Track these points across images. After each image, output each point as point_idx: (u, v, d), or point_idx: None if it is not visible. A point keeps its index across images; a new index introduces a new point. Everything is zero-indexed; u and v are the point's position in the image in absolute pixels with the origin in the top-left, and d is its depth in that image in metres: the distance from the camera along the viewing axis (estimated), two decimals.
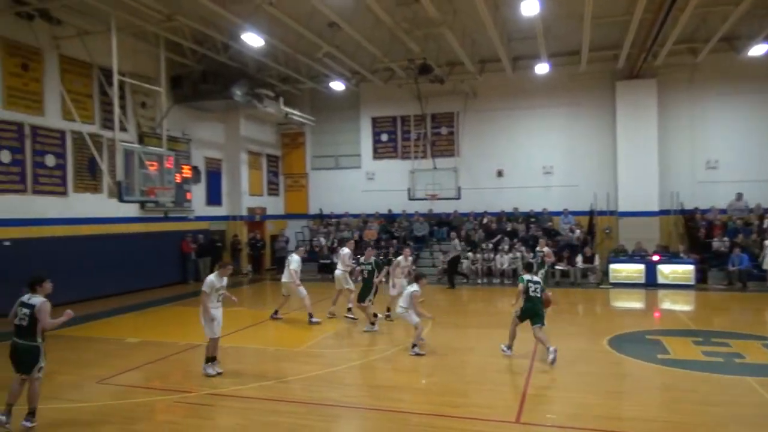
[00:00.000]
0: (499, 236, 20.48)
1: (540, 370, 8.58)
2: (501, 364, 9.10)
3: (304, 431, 6.34)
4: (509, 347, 9.45)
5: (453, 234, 20.77)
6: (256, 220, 23.48)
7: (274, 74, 20.99)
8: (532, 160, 22.20)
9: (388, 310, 12.56)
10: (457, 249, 18.97)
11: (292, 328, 12.02)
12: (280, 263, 20.96)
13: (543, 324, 9.13)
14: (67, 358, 9.65)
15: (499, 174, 22.74)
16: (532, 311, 9.14)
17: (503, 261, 19.13)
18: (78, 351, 10.17)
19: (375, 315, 11.78)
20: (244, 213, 22.81)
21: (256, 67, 20.21)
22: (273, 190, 25.14)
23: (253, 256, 22.74)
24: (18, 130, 14.09)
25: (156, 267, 17.98)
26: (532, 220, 21.49)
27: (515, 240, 20.20)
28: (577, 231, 20.32)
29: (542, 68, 19.43)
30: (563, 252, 18.99)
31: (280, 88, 21.82)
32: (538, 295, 9.23)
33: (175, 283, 18.62)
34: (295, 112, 22.44)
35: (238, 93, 19.25)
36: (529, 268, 10.05)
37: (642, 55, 18.51)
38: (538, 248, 15.81)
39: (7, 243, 13.56)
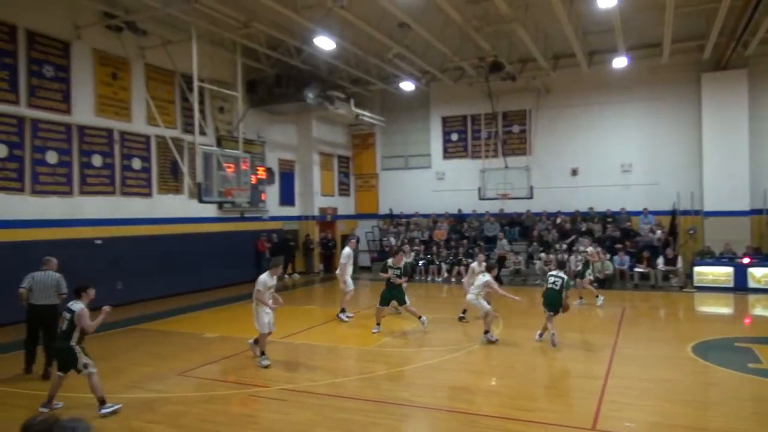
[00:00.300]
0: (573, 236, 19.85)
1: (617, 375, 8.22)
2: (575, 369, 8.81)
3: (374, 429, 6.38)
4: (540, 334, 10.45)
5: (500, 234, 20.46)
6: (327, 220, 23.92)
7: (345, 76, 21.30)
8: (609, 158, 21.35)
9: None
10: (504, 248, 18.76)
11: (362, 327, 12.12)
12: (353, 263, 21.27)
13: (554, 314, 10.19)
14: (152, 350, 10.19)
15: (574, 172, 22.03)
16: (548, 301, 10.22)
17: (577, 262, 18.45)
18: (161, 344, 10.71)
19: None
20: (316, 213, 23.28)
21: (328, 70, 20.59)
22: (344, 191, 25.52)
23: (324, 256, 23.18)
24: (108, 136, 15.04)
25: (232, 265, 18.67)
26: (609, 220, 20.68)
27: (590, 240, 19.47)
28: (658, 232, 19.35)
29: (620, 62, 18.65)
30: (643, 253, 18.15)
31: (350, 89, 22.12)
32: (556, 288, 10.13)
33: (250, 281, 19.06)
34: (366, 113, 22.68)
35: (310, 95, 19.68)
36: (561, 266, 11.67)
37: (731, 44, 17.39)
38: (581, 248, 15.40)
39: (99, 242, 14.49)
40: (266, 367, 8.90)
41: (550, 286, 10.28)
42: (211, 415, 6.87)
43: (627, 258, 18.26)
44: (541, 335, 10.38)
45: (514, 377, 8.47)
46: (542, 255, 19.23)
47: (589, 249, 15.16)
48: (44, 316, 8.50)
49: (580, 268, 15.23)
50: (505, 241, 20.07)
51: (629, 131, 21.16)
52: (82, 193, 14.32)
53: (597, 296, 14.46)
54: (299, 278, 21.18)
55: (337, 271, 13.33)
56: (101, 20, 14.48)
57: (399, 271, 11.56)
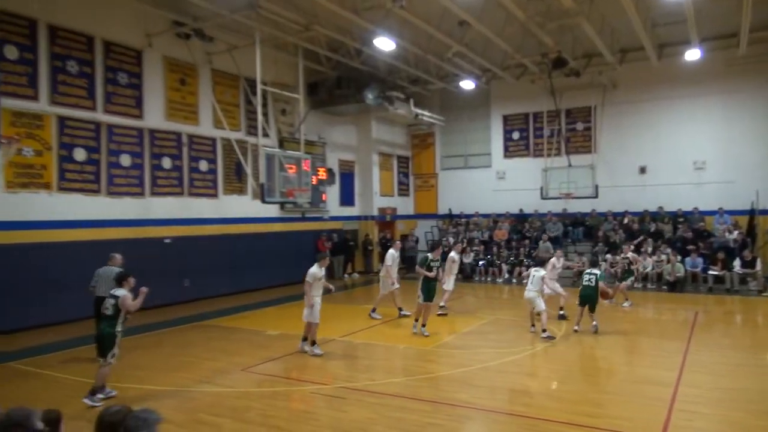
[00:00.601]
0: (641, 237, 19.08)
1: (689, 383, 7.84)
2: (643, 375, 8.46)
3: (432, 430, 6.35)
4: (577, 323, 11.22)
5: (545, 236, 19.87)
6: (386, 220, 24.02)
7: (405, 76, 21.32)
8: (680, 155, 20.36)
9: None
10: (549, 251, 18.27)
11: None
12: (409, 262, 21.27)
13: (591, 310, 11.13)
14: (218, 346, 10.54)
15: (642, 170, 21.15)
16: (585, 297, 11.11)
17: (646, 264, 17.74)
18: (226, 340, 11.06)
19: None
20: (376, 213, 23.43)
21: (387, 70, 20.67)
22: (403, 191, 25.56)
23: (383, 256, 23.23)
24: (177, 139, 15.69)
25: (294, 264, 18.96)
26: (681, 220, 19.73)
27: (659, 241, 18.70)
28: (735, 232, 18.31)
29: (693, 54, 17.76)
30: (717, 255, 17.23)
31: (410, 89, 22.12)
32: (592, 285, 11.05)
33: None
34: (425, 112, 22.62)
35: (370, 96, 19.83)
36: (593, 264, 12.37)
37: None
38: (622, 255, 14.90)
39: (168, 241, 15.13)
40: (320, 355, 9.39)
41: (585, 283, 11.17)
42: (273, 411, 7.04)
43: (700, 260, 17.41)
44: (576, 324, 11.21)
45: (577, 382, 8.22)
46: (608, 256, 18.59)
47: (630, 255, 14.99)
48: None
49: (616, 269, 15.37)
50: (549, 244, 19.63)
51: (702, 126, 20.13)
52: (153, 194, 15.00)
53: (626, 299, 14.34)
54: (358, 278, 21.38)
55: (381, 273, 13.47)
56: (171, 28, 15.12)
57: (437, 263, 11.37)
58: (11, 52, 12.01)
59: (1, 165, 11.07)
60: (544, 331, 10.63)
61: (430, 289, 10.99)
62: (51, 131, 12.77)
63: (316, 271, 9.65)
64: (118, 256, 9.84)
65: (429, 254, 11.36)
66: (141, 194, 14.71)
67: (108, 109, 13.94)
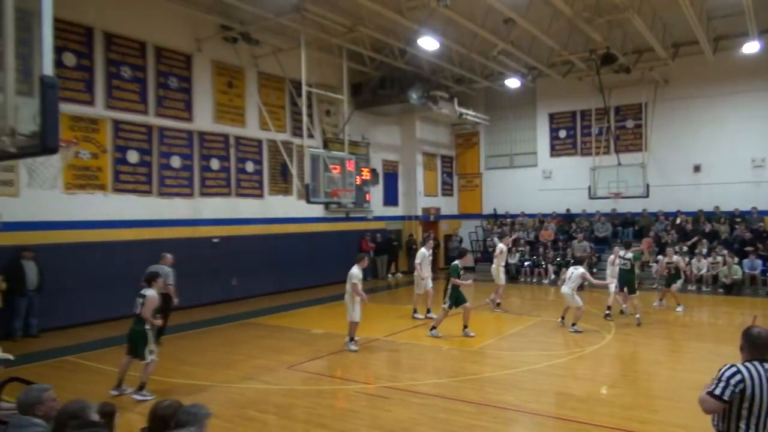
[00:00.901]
0: (695, 238, 18.39)
1: None
2: (697, 381, 8.07)
3: (477, 431, 6.29)
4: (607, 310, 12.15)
5: (580, 236, 19.27)
6: (430, 220, 23.93)
7: (449, 75, 21.19)
8: (737, 153, 19.49)
9: (609, 308, 12.52)
10: (586, 251, 17.79)
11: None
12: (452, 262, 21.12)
13: (632, 293, 11.86)
14: (264, 344, 10.73)
15: (696, 169, 20.36)
16: (624, 281, 11.90)
17: (700, 266, 17.09)
18: (272, 338, 11.24)
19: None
20: (419, 213, 23.38)
21: (431, 70, 20.60)
22: (447, 191, 25.42)
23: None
24: (224, 141, 16.05)
25: (338, 264, 19.04)
26: (738, 220, 18.91)
27: (715, 242, 17.98)
28: None
29: (751, 47, 16.97)
30: None
31: (454, 89, 21.98)
32: (627, 268, 11.79)
33: None
34: (470, 111, 22.42)
35: (413, 96, 19.80)
36: (627, 246, 12.65)
37: None
38: (667, 259, 14.19)
39: (216, 240, 15.49)
40: (355, 351, 9.74)
41: (621, 267, 11.96)
42: (317, 409, 7.10)
43: (759, 262, 16.65)
44: (608, 313, 12.10)
45: (627, 386, 7.98)
46: (659, 257, 17.99)
47: (675, 258, 14.33)
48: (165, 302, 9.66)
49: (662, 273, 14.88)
50: (585, 243, 19.25)
51: (760, 123, 19.21)
52: (202, 194, 15.39)
53: (678, 303, 13.74)
54: (402, 277, 21.37)
55: (415, 273, 13.44)
56: (219, 33, 15.47)
57: (463, 270, 11.37)
58: (69, 60, 12.53)
59: (61, 167, 11.57)
60: (573, 324, 11.14)
61: (458, 296, 10.85)
62: (106, 135, 13.27)
63: (358, 272, 10.06)
64: (169, 256, 10.44)
65: (458, 262, 11.20)
66: (190, 195, 15.11)
67: (159, 113, 14.38)
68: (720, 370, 3.45)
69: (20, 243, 11.36)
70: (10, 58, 3.47)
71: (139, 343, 7.52)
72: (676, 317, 13.08)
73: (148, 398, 7.21)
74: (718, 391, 3.36)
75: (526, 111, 23.88)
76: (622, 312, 12.82)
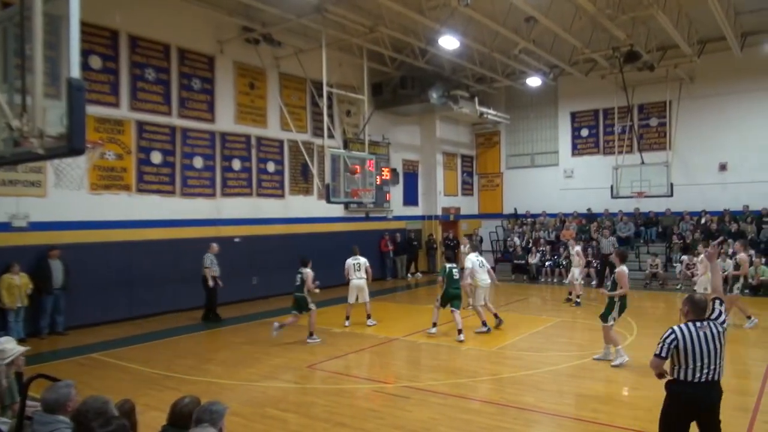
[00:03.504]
0: (720, 238, 18.02)
1: None
2: (724, 383, 7.97)
3: None
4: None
5: (606, 232, 18.87)
6: (450, 219, 23.86)
7: (469, 74, 21.10)
8: (765, 151, 19.06)
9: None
10: (614, 246, 17.57)
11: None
12: None
13: None
14: (283, 343, 10.79)
15: (722, 168, 19.98)
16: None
17: (725, 266, 16.69)
18: (293, 337, 11.30)
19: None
20: (439, 213, 23.32)
21: (452, 69, 20.53)
22: (467, 190, 25.31)
23: (446, 255, 23.07)
24: (246, 141, 16.20)
25: None
26: (766, 219, 18.50)
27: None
28: None
29: None
30: None
31: (474, 88, 21.87)
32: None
33: (374, 279, 19.71)
34: (490, 111, 22.29)
35: (434, 96, 19.76)
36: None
37: None
38: (737, 255, 13.22)
39: (238, 240, 15.64)
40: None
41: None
42: (337, 408, 7.14)
43: None
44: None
45: (651, 388, 7.82)
46: (684, 258, 17.71)
47: (741, 255, 12.78)
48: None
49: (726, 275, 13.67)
50: (613, 238, 18.90)
51: None
52: (224, 194, 15.56)
53: (749, 316, 11.77)
54: (422, 277, 21.34)
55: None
56: (241, 35, 15.62)
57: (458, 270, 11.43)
58: (95, 62, 12.77)
59: (86, 168, 11.78)
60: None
61: (452, 296, 10.98)
62: (131, 136, 13.49)
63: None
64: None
65: (449, 265, 11.31)
66: (212, 195, 15.28)
67: (182, 114, 14.57)
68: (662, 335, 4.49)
69: (47, 242, 11.62)
70: (39, 61, 3.56)
71: (302, 304, 10.63)
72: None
73: (317, 340, 10.58)
74: (657, 351, 4.50)
75: (547, 110, 23.67)
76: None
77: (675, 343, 4.43)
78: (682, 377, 4.46)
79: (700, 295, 4.71)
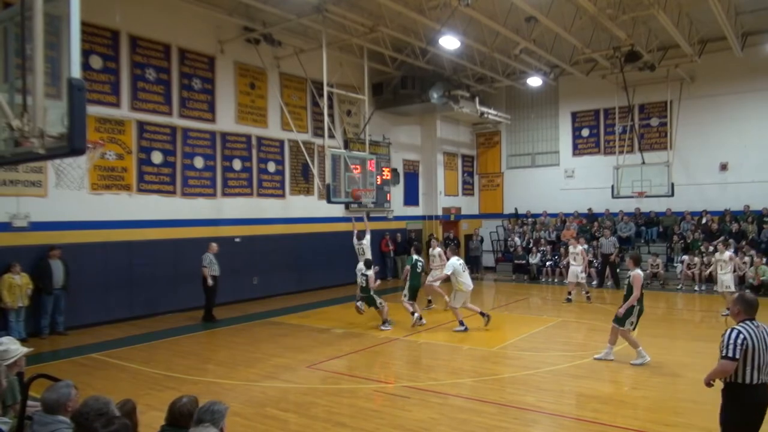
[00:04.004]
0: (721, 238, 18.03)
1: None
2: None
3: None
4: None
5: (607, 232, 18.81)
6: (451, 219, 23.86)
7: (470, 74, 21.10)
8: (766, 151, 19.07)
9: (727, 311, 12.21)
10: (615, 246, 17.60)
11: (486, 329, 11.93)
12: (474, 263, 21.04)
13: None
14: (284, 342, 10.81)
15: (723, 168, 19.98)
16: None
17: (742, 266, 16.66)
18: (293, 337, 11.32)
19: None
20: (440, 213, 23.31)
21: (452, 69, 20.52)
22: (468, 190, 25.31)
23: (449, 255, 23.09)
24: (246, 141, 16.20)
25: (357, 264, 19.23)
26: (766, 219, 18.49)
27: (743, 242, 17.60)
28: None
29: None
30: None
31: (475, 88, 21.87)
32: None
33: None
34: (491, 110, 22.30)
35: (434, 95, 19.75)
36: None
37: None
38: (746, 254, 13.38)
39: (238, 240, 15.65)
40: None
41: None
42: (337, 408, 7.14)
43: None
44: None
45: (652, 388, 7.86)
46: (684, 257, 17.71)
47: (727, 254, 13.22)
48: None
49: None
50: (614, 238, 18.65)
51: None
52: (224, 194, 15.56)
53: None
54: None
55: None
56: (241, 35, 15.62)
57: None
58: (96, 62, 12.77)
59: (87, 168, 11.78)
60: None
61: (415, 287, 12.27)
62: (131, 136, 13.49)
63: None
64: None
65: (416, 257, 12.42)
66: (213, 195, 15.28)
67: (183, 114, 14.57)
68: (723, 336, 4.27)
69: (48, 242, 11.62)
70: (39, 61, 3.56)
71: (371, 301, 11.62)
72: (701, 318, 12.84)
73: (389, 328, 11.49)
74: (730, 354, 4.18)
75: (548, 109, 23.67)
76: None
77: (745, 343, 4.15)
78: (747, 380, 4.19)
79: (752, 294, 4.53)
